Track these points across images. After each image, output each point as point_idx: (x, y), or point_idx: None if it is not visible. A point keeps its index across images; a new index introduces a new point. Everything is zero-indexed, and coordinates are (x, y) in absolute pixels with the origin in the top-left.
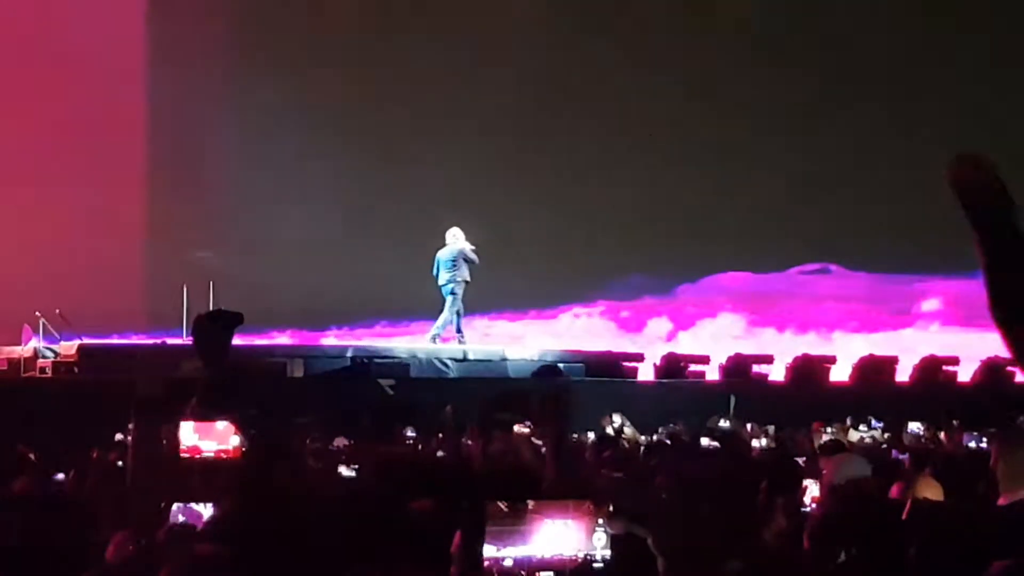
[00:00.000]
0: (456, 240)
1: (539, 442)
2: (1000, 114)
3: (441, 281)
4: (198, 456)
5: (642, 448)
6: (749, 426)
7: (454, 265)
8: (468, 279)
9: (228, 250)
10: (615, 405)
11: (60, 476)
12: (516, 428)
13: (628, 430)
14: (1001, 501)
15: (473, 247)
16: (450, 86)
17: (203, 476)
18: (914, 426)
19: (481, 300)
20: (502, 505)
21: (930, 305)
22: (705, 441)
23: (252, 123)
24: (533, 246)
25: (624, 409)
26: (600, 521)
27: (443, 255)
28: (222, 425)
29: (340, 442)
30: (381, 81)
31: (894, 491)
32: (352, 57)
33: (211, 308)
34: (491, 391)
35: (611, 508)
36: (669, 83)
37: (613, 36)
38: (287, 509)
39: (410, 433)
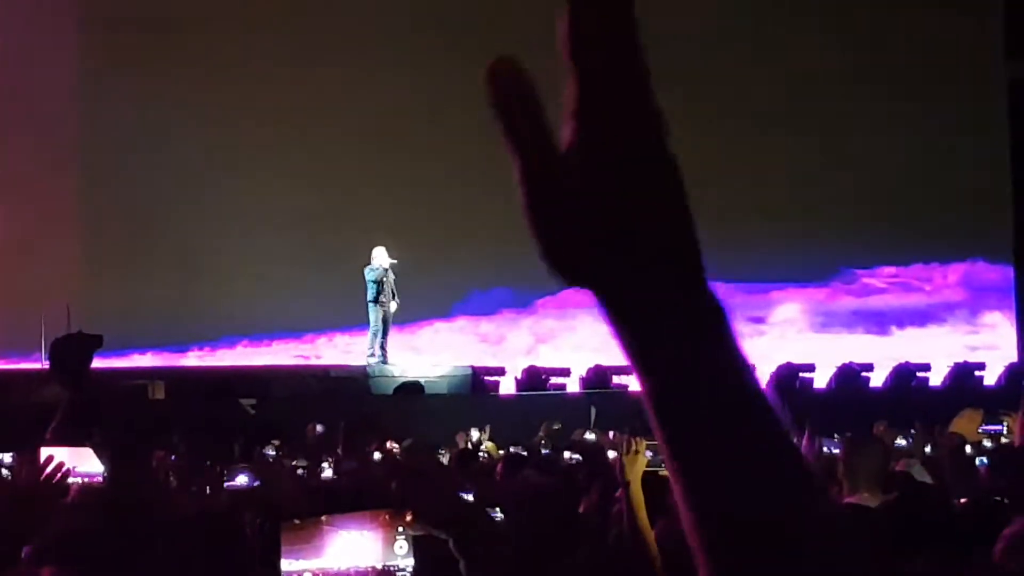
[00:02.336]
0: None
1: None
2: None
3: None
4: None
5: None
6: (612, 434)
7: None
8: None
9: (86, 268)
10: (476, 420)
11: None
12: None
13: (488, 444)
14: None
15: (375, 266)
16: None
17: (73, 502)
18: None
19: (341, 317)
20: (296, 520)
21: (786, 312)
22: (567, 454)
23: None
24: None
25: (486, 423)
26: (400, 529)
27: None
28: (83, 450)
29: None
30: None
31: None
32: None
33: (69, 331)
34: (354, 409)
35: (407, 515)
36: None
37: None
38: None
39: (270, 452)
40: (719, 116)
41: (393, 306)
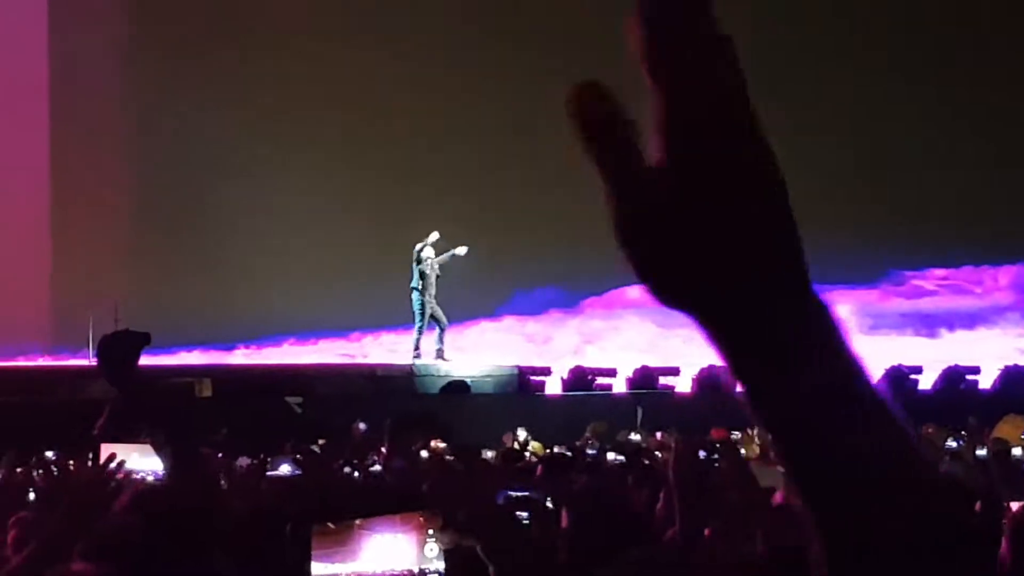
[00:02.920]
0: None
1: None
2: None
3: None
4: (126, 479)
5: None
6: (659, 435)
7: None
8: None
9: (134, 267)
10: (522, 420)
11: None
12: (433, 444)
13: (535, 444)
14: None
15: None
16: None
17: (132, 500)
18: None
19: (389, 316)
20: (329, 524)
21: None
22: (611, 456)
23: (156, 144)
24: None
25: (531, 424)
26: (431, 532)
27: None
28: (141, 447)
29: (243, 461)
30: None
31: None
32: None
33: (117, 328)
34: (401, 408)
35: (442, 519)
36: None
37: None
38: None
39: (315, 450)
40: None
41: (462, 250)
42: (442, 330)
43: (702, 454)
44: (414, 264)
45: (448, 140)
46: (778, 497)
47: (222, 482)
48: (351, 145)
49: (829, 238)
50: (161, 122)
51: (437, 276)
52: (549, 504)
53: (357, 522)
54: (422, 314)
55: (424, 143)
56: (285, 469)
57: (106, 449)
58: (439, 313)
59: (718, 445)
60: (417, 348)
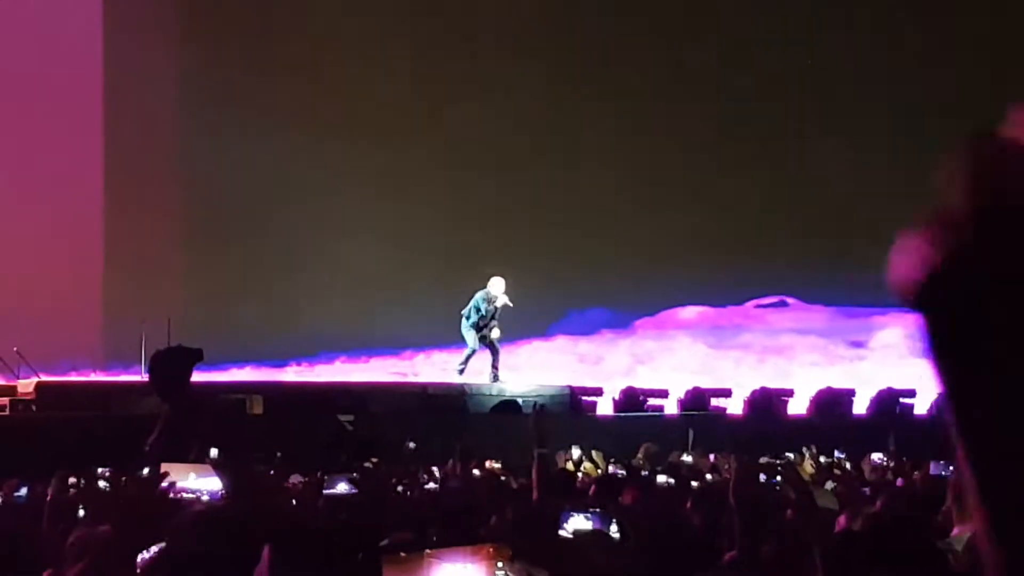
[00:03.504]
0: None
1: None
2: None
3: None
4: (185, 499)
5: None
6: (712, 457)
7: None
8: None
9: (187, 284)
10: (573, 440)
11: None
12: (488, 464)
13: (588, 464)
14: (955, 532)
15: (491, 297)
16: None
17: (193, 521)
18: (876, 457)
19: (440, 334)
20: (401, 553)
21: (887, 337)
22: (662, 478)
23: (209, 161)
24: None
25: (583, 443)
26: (500, 564)
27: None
28: (202, 468)
29: (295, 479)
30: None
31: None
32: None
33: (169, 344)
34: (452, 426)
35: (510, 550)
36: (633, 120)
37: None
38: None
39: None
40: (825, 136)
41: (496, 332)
42: (496, 354)
43: (762, 477)
44: (482, 303)
45: (503, 164)
46: (842, 521)
47: (283, 501)
48: (405, 167)
49: (882, 261)
50: (215, 140)
51: (494, 314)
52: (614, 532)
53: (427, 551)
54: (477, 341)
55: (479, 167)
56: (342, 487)
57: (170, 470)
58: (496, 340)
59: (780, 467)
60: (464, 364)
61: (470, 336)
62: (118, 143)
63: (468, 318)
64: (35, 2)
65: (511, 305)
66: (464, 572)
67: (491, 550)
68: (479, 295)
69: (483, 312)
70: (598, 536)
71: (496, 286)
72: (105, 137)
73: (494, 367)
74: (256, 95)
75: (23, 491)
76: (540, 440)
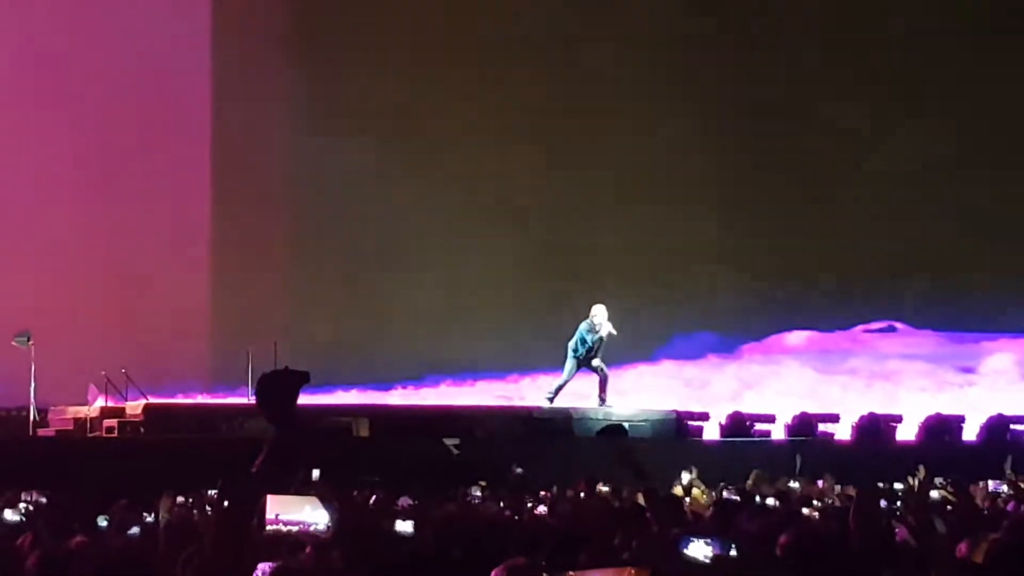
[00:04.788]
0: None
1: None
2: None
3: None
4: (285, 531)
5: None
6: (820, 483)
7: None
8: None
9: (293, 306)
10: (680, 465)
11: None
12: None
13: (696, 490)
14: None
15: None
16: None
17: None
18: (992, 483)
19: (546, 358)
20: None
21: (997, 363)
22: (770, 502)
23: (316, 184)
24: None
25: (689, 468)
26: None
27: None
28: (308, 500)
29: (404, 502)
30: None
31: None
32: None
33: (276, 367)
34: (558, 449)
35: (650, 571)
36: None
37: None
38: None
39: (475, 493)
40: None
41: (595, 362)
42: (604, 379)
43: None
44: (587, 335)
45: (611, 191)
46: (963, 548)
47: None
48: (513, 189)
49: (992, 286)
50: (322, 162)
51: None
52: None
53: (570, 573)
54: (574, 372)
55: (587, 190)
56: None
57: (275, 502)
58: (602, 365)
59: (901, 493)
60: (556, 392)
61: (569, 364)
62: (225, 168)
63: (576, 351)
64: (145, 12)
65: (615, 334)
66: None
67: (632, 572)
68: (583, 326)
69: (589, 344)
70: (728, 561)
71: (598, 314)
72: (212, 161)
73: (602, 392)
74: (364, 119)
75: (135, 529)
76: (638, 475)
